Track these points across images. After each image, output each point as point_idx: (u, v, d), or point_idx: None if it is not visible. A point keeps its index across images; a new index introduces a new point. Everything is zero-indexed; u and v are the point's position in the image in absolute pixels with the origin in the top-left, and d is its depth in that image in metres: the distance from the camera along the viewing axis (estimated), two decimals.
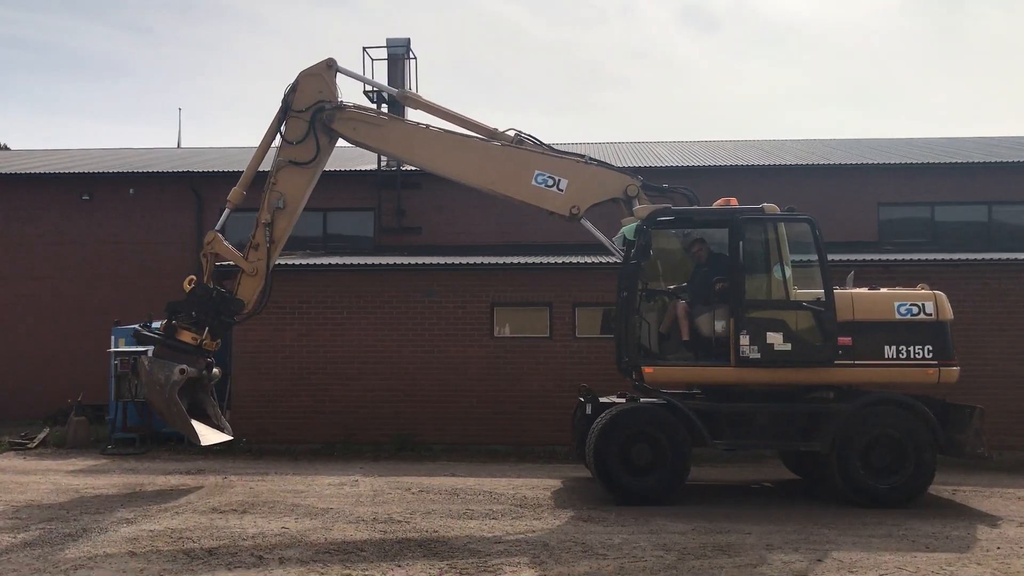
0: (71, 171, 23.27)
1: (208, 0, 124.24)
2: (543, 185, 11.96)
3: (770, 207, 11.24)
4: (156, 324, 17.28)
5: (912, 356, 10.96)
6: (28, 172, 22.81)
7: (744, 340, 10.76)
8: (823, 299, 10.93)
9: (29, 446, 16.35)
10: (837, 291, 11.10)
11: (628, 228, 11.38)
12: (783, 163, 22.31)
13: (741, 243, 10.97)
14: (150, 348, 16.41)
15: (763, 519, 9.87)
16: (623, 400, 11.45)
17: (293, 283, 16.52)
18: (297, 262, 17.00)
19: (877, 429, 10.80)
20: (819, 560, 7.94)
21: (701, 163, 22.80)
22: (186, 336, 12.26)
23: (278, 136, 12.70)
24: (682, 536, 8.90)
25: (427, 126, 12.61)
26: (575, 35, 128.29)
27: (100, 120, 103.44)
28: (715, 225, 11.66)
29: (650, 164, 22.82)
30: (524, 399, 16.13)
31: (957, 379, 11.23)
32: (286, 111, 12.60)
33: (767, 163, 22.40)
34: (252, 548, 8.33)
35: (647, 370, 11.09)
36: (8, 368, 21.60)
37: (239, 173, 22.23)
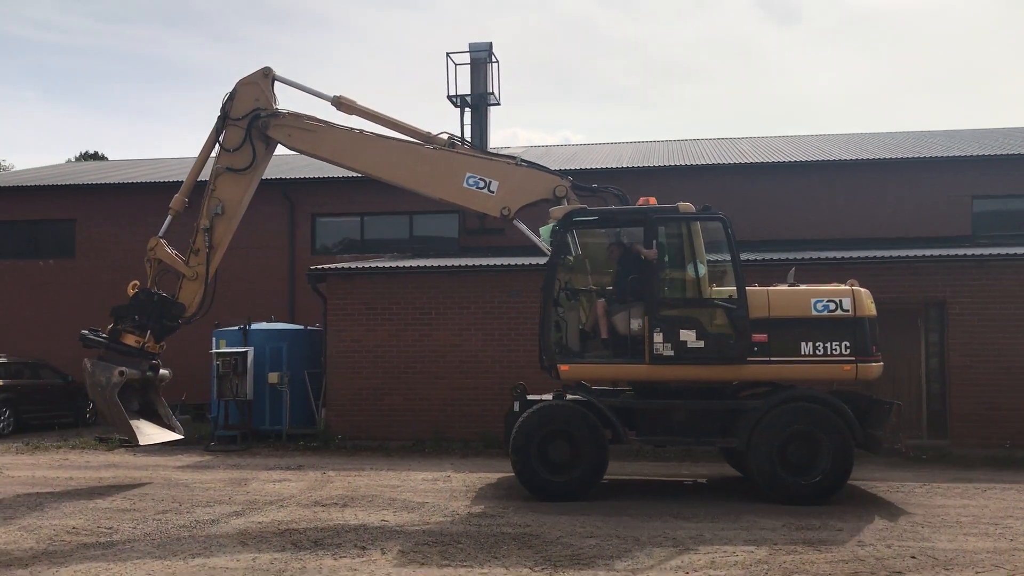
0: (172, 180, 24.32)
1: (302, 10, 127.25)
2: (474, 187, 12.15)
3: (684, 205, 11.31)
4: (255, 326, 18.09)
5: (829, 352, 10.84)
6: (132, 181, 23.97)
7: (658, 338, 10.85)
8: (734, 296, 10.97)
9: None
10: (754, 288, 11.13)
11: (545, 229, 11.70)
12: (872, 157, 22.01)
13: (655, 242, 11.06)
14: (250, 349, 17.22)
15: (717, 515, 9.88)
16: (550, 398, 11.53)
17: (384, 285, 17.02)
18: (387, 264, 17.51)
19: (793, 426, 10.72)
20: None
21: (786, 159, 22.61)
22: (129, 339, 12.63)
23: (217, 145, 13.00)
24: (771, 531, 8.98)
25: (360, 131, 12.77)
26: (650, 30, 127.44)
27: (197, 130, 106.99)
28: (630, 224, 11.70)
29: (734, 160, 22.75)
30: None
31: (878, 375, 11.18)
32: (224, 119, 12.89)
33: (853, 157, 22.09)
34: (355, 539, 8.74)
35: (563, 368, 11.22)
36: None
37: (329, 179, 23.27)
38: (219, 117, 12.87)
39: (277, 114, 12.74)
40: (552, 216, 11.72)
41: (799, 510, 10.14)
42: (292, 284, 22.75)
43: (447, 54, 22.74)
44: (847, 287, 11.16)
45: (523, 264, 16.97)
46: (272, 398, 17.49)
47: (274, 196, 23.25)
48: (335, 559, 7.96)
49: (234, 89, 12.90)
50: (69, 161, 60.69)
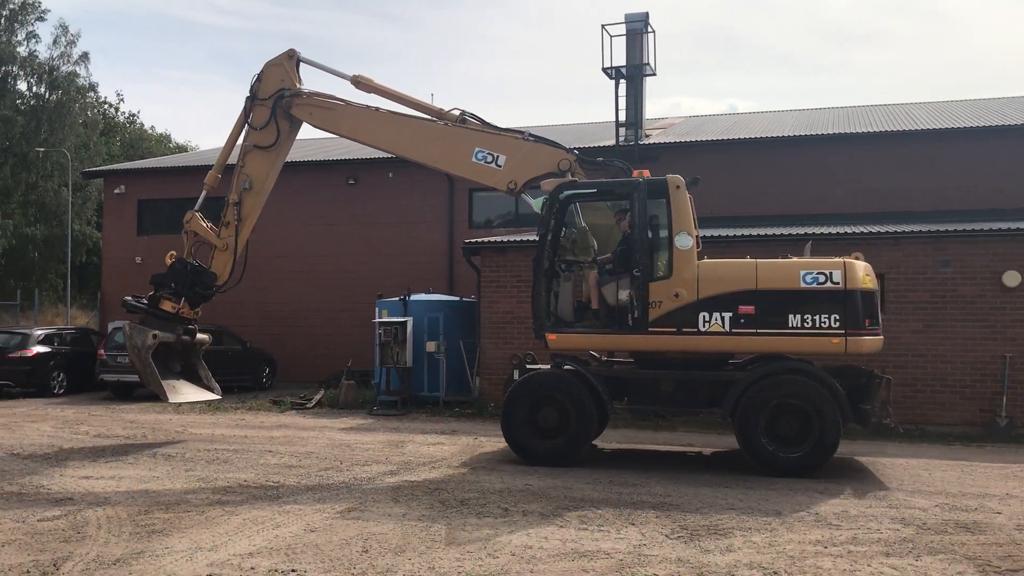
0: (339, 158, 25.56)
1: None
2: (483, 162, 12.40)
3: (673, 178, 11.30)
4: (414, 297, 18.82)
5: (818, 325, 10.71)
6: (302, 160, 25.30)
7: (636, 307, 11.04)
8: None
9: (307, 406, 18.40)
10: (742, 260, 11.24)
11: (536, 201, 11.96)
12: None
13: (638, 214, 11.16)
14: (409, 319, 17.95)
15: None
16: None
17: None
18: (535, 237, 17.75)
19: (779, 398, 10.73)
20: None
21: (962, 124, 21.30)
22: (166, 305, 13.51)
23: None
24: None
25: (377, 109, 13.22)
26: None
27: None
28: (617, 197, 11.81)
29: (902, 128, 21.68)
30: None
31: (873, 349, 11.06)
32: (252, 99, 13.63)
33: None
34: (498, 501, 9.10)
35: (551, 337, 11.50)
36: (290, 338, 24.32)
37: None
38: (247, 97, 13.70)
39: (299, 94, 13.43)
40: (543, 189, 11.92)
41: (953, 492, 9.75)
42: (451, 257, 23.48)
43: (602, 26, 22.66)
44: (839, 259, 10.98)
45: None
46: (430, 366, 18.21)
47: (434, 172, 23.97)
48: (479, 518, 8.32)
49: (261, 71, 13.69)
50: None
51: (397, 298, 18.63)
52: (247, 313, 24.28)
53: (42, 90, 48.18)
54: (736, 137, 22.65)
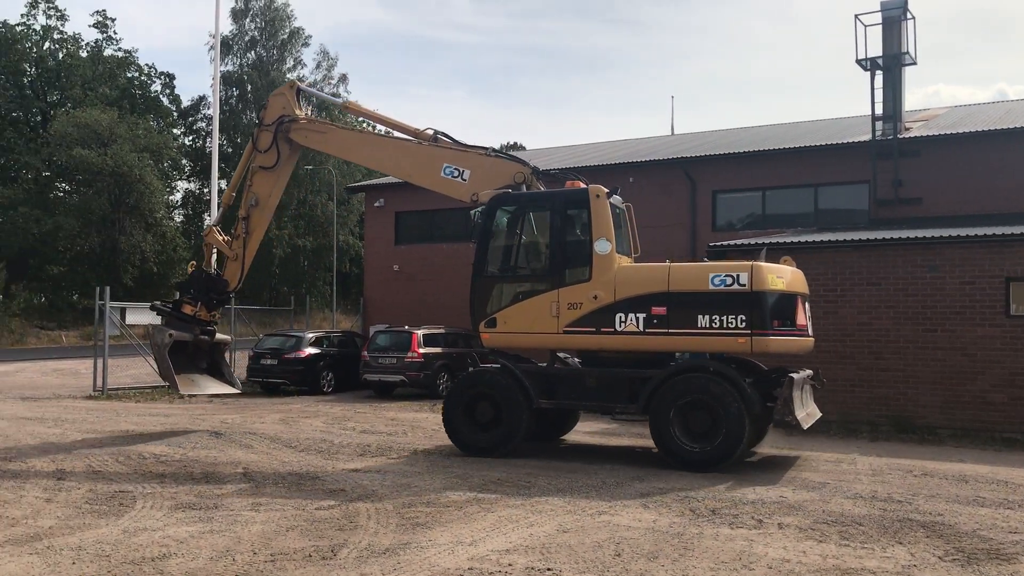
0: (580, 165, 25.88)
1: None
2: (450, 176, 13.51)
3: (594, 188, 12.21)
4: None
5: (725, 325, 11.18)
6: (546, 169, 25.83)
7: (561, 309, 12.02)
8: None
9: None
10: (656, 264, 11.98)
11: (475, 212, 12.99)
12: None
13: (561, 222, 12.28)
14: None
15: None
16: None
17: None
18: (789, 239, 17.13)
19: (688, 395, 11.29)
20: None
21: None
22: (187, 309, 15.20)
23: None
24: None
25: (361, 131, 15.22)
26: None
27: (613, 113, 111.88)
28: (543, 208, 12.69)
29: None
30: None
31: (784, 349, 11.63)
32: (259, 126, 15.40)
33: None
34: (752, 511, 8.83)
35: (484, 336, 12.58)
36: None
37: (730, 156, 23.44)
38: (256, 124, 15.07)
39: (295, 119, 15.05)
40: (480, 200, 12.94)
41: None
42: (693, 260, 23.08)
43: (855, 16, 21.47)
44: (747, 263, 11.44)
45: (942, 236, 15.64)
46: None
47: (676, 174, 23.77)
48: (732, 528, 8.13)
49: (267, 100, 15.62)
50: None
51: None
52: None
53: (308, 112, 52.50)
54: (1011, 127, 20.60)
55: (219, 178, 30.24)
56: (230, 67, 55.34)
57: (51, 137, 48.68)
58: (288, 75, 54.21)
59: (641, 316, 11.63)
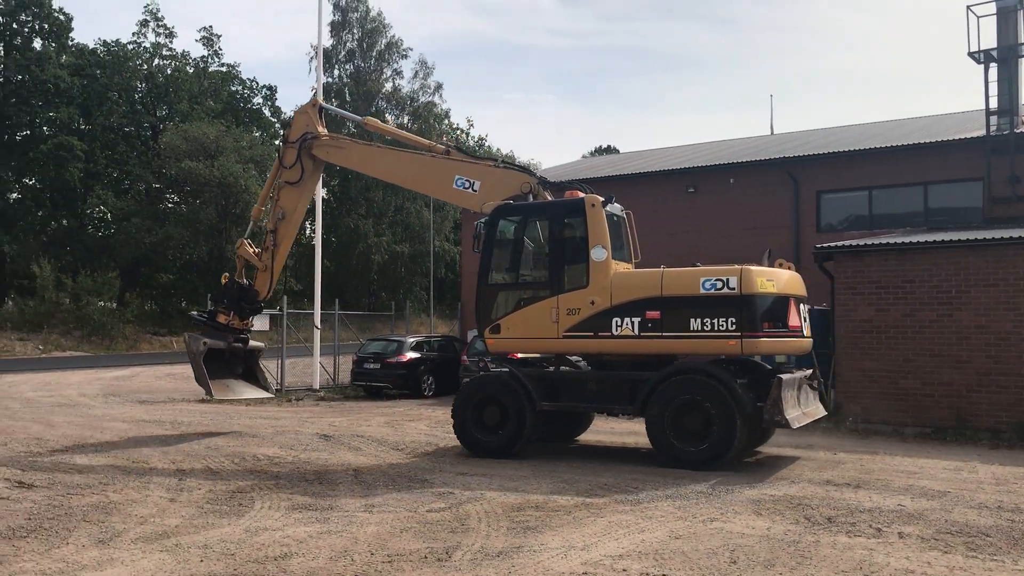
0: (679, 167, 25.64)
1: None
2: (461, 188, 13.98)
3: (590, 197, 12.55)
4: None
5: (716, 328, 11.48)
6: (644, 171, 25.75)
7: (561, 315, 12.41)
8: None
9: None
10: (650, 270, 12.35)
11: (478, 223, 13.25)
12: None
13: (558, 231, 12.69)
14: None
15: None
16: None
17: (896, 262, 16.16)
18: (899, 240, 16.59)
19: (682, 396, 11.60)
20: None
21: None
22: (221, 318, 15.84)
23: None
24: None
25: (378, 145, 15.89)
26: None
27: (694, 113, 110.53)
28: (540, 217, 13.15)
29: None
30: None
31: (773, 351, 12.27)
32: (284, 143, 16.06)
33: None
34: (869, 520, 8.58)
35: (489, 341, 12.96)
36: None
37: (833, 155, 22.90)
38: (281, 140, 15.65)
39: (317, 136, 15.65)
40: (484, 210, 13.24)
41: None
42: (797, 263, 22.52)
43: (967, 7, 20.65)
44: (737, 267, 11.62)
45: None
46: None
47: (778, 175, 23.30)
48: (850, 537, 7.91)
49: (291, 118, 16.25)
50: (584, 156, 66.84)
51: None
52: None
53: (404, 120, 53.40)
54: None
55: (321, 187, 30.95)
56: (328, 79, 56.70)
57: (161, 150, 50.87)
58: (386, 84, 55.16)
59: (636, 320, 12.01)
